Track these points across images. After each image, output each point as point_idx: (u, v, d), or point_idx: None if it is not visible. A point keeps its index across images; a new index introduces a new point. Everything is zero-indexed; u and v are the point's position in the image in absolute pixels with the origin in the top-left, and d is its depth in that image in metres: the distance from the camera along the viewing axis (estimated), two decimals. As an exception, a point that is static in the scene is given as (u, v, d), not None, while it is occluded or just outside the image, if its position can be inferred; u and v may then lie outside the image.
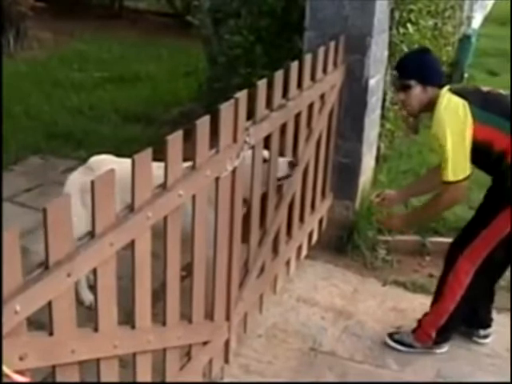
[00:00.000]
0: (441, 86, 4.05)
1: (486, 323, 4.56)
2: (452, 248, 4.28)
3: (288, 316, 4.73)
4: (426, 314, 4.43)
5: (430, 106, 4.04)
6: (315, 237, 5.44)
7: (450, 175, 3.86)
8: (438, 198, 4.10)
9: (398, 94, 4.25)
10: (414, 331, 4.43)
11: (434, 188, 4.40)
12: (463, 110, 3.87)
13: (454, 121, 3.86)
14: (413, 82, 4.06)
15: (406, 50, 6.06)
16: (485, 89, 4.09)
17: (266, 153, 4.09)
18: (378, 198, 4.65)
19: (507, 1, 17.80)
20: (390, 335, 4.50)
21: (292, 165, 4.35)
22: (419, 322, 4.44)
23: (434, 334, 4.35)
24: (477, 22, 13.33)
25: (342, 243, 5.48)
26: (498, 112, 3.94)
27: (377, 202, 4.69)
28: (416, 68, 4.11)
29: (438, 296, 4.36)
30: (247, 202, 4.00)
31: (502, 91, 4.13)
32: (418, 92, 4.07)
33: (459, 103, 3.91)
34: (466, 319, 4.45)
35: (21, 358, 2.27)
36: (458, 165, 3.84)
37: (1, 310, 1.80)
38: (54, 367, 2.52)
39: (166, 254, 3.14)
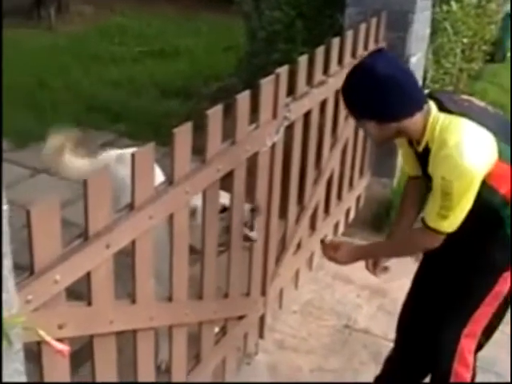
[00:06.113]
0: (414, 112, 2.82)
1: None
2: (443, 334, 3.29)
3: (323, 293, 4.73)
4: None
5: (405, 134, 2.92)
6: (352, 214, 5.44)
7: (445, 226, 2.85)
8: (410, 238, 3.13)
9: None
10: None
11: (418, 206, 3.37)
12: (489, 149, 2.79)
13: (475, 167, 2.71)
14: (363, 119, 2.89)
15: (448, 28, 6.00)
16: (485, 106, 3.07)
17: (226, 200, 3.41)
18: (328, 245, 3.35)
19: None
20: None
21: (253, 211, 3.56)
22: None
23: None
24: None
25: (380, 221, 5.44)
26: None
27: (324, 251, 3.38)
28: (362, 103, 2.84)
29: None
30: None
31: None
32: (374, 129, 2.87)
33: (486, 139, 2.80)
34: None
35: (60, 327, 2.30)
36: (457, 219, 2.83)
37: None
38: (92, 337, 2.55)
39: (204, 228, 3.15)
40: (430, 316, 3.33)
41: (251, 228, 3.60)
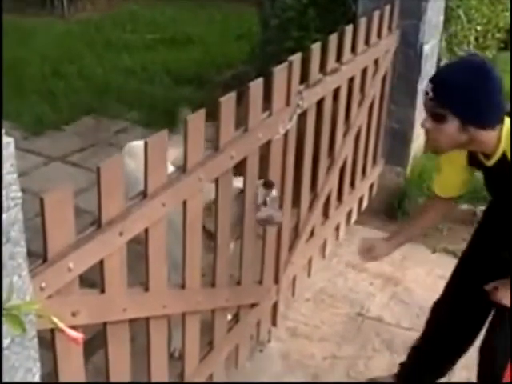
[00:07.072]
0: (496, 125, 2.74)
1: None
2: (500, 338, 3.11)
3: (336, 281, 4.72)
4: None
5: (476, 146, 2.80)
6: (365, 202, 5.43)
7: None
8: None
9: (425, 119, 2.81)
10: None
11: (434, 224, 3.54)
12: None
13: None
14: (449, 115, 2.69)
15: (462, 15, 5.96)
16: None
17: (240, 183, 3.36)
18: (363, 249, 3.33)
19: None
20: None
21: (266, 185, 3.39)
22: None
23: None
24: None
25: (393, 209, 5.43)
26: None
27: (361, 255, 3.35)
28: (460, 97, 2.67)
29: None
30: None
31: None
32: (453, 130, 2.71)
33: None
34: None
35: (73, 315, 2.31)
36: None
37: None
38: (105, 324, 2.56)
39: (217, 216, 3.16)
40: (481, 318, 3.30)
41: (265, 204, 3.37)
